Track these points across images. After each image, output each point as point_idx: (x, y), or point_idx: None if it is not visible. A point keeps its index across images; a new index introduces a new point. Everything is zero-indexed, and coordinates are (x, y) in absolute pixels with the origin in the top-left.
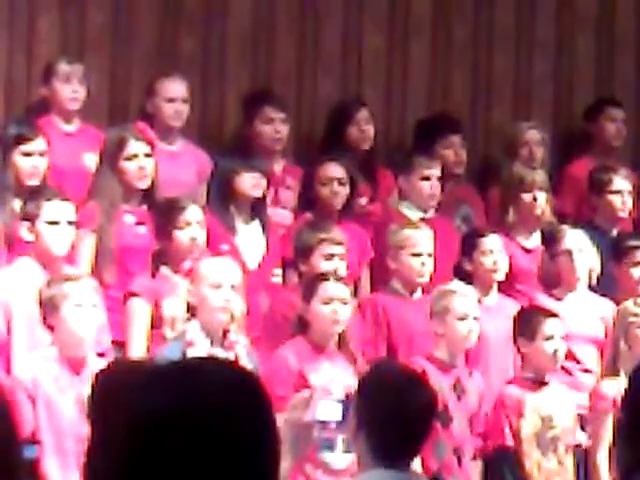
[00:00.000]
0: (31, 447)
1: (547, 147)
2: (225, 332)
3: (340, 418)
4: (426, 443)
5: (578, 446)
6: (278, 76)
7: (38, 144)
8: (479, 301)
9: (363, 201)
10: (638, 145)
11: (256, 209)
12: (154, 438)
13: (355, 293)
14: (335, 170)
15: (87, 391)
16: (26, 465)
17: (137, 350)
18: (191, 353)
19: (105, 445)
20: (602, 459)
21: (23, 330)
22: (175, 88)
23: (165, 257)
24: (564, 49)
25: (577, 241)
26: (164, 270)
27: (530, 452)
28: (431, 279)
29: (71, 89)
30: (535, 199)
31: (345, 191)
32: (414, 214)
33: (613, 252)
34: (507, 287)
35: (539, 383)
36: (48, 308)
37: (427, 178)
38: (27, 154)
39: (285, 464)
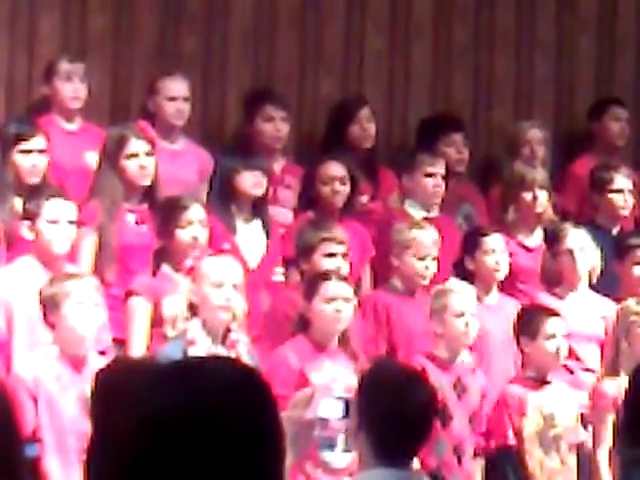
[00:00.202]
0: (32, 446)
1: (549, 146)
2: (226, 331)
3: (342, 415)
4: (426, 442)
5: (581, 445)
6: (279, 75)
7: (37, 142)
8: (480, 300)
9: (364, 199)
10: (639, 144)
11: (257, 208)
12: (160, 437)
13: (356, 291)
14: (336, 169)
15: (88, 389)
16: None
17: (137, 349)
18: (192, 352)
19: (108, 444)
20: (602, 458)
21: (24, 329)
22: (177, 87)
23: (166, 255)
24: (565, 50)
25: (579, 240)
26: (165, 269)
27: (532, 451)
28: (433, 278)
29: (72, 88)
30: (536, 198)
31: (346, 190)
32: (418, 213)
33: (615, 251)
34: (508, 286)
35: (541, 382)
36: (49, 306)
37: (430, 176)
38: (26, 152)
39: (286, 462)
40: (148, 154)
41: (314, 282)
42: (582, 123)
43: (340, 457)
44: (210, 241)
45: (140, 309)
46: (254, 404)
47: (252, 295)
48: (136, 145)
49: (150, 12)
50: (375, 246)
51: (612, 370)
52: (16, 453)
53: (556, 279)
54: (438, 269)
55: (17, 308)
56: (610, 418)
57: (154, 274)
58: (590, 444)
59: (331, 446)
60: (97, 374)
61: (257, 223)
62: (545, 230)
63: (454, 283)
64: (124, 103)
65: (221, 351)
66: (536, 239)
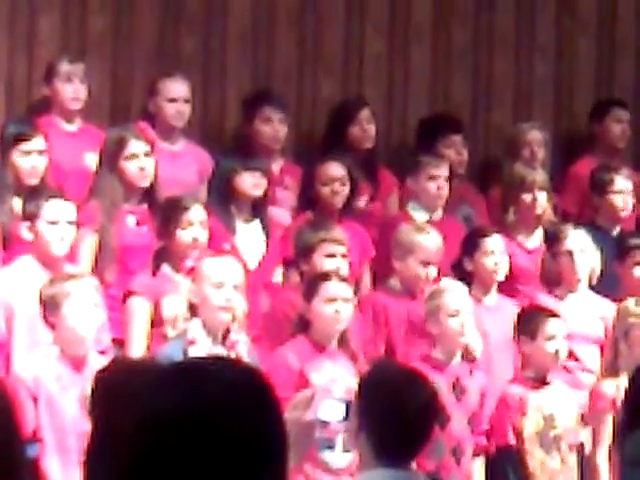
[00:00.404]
0: (32, 446)
1: (548, 147)
2: (226, 331)
3: (341, 418)
4: (427, 442)
5: (582, 445)
6: (279, 76)
7: (37, 143)
8: (479, 301)
9: (363, 200)
10: (639, 146)
11: (256, 208)
12: (161, 438)
13: (356, 292)
14: (336, 170)
15: (88, 389)
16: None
17: (137, 349)
18: (192, 352)
19: (108, 444)
20: (601, 458)
21: (24, 329)
22: (177, 88)
23: (166, 256)
24: (564, 52)
25: (578, 241)
26: (165, 269)
27: (533, 451)
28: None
29: (72, 89)
30: (535, 199)
31: (346, 191)
32: (421, 215)
33: (616, 251)
34: (507, 287)
35: (541, 382)
36: (49, 306)
37: (434, 178)
38: (26, 153)
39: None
40: (147, 155)
41: (314, 283)
42: (582, 124)
43: (340, 457)
44: (210, 242)
45: (139, 309)
46: (257, 404)
47: (251, 296)
48: (135, 146)
49: (149, 13)
50: (375, 247)
51: (611, 371)
52: (17, 453)
53: (556, 280)
54: (441, 271)
55: (17, 308)
56: (609, 419)
57: (154, 274)
58: (589, 445)
59: (331, 446)
60: (96, 374)
61: (257, 224)
62: (545, 231)
63: (447, 283)
64: (124, 104)
65: (221, 351)
66: (536, 240)
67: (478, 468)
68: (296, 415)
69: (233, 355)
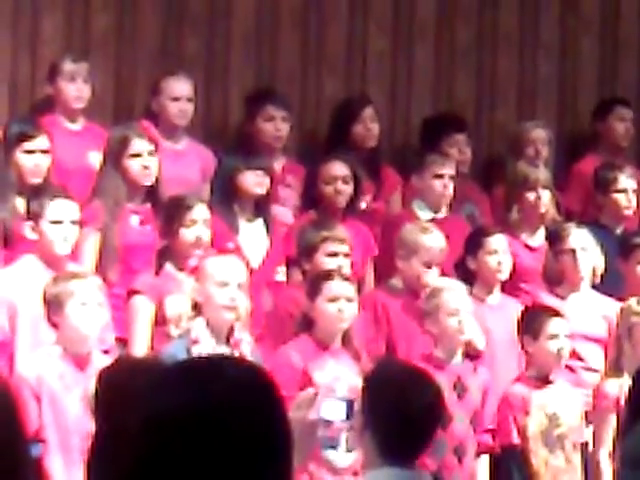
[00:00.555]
0: (35, 445)
1: (552, 146)
2: (230, 330)
3: (344, 417)
4: (432, 441)
5: (586, 444)
6: (282, 75)
7: (40, 142)
8: (482, 300)
9: (367, 199)
10: None
11: (259, 207)
12: (166, 437)
13: (359, 291)
14: (339, 168)
15: (92, 388)
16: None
17: (140, 348)
18: (196, 351)
19: (113, 444)
20: (604, 457)
21: (27, 328)
22: (180, 87)
23: (170, 255)
24: (568, 51)
25: (581, 240)
26: (168, 268)
27: (537, 450)
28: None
29: (76, 88)
30: (539, 197)
31: (349, 189)
32: (425, 214)
33: (620, 250)
34: (511, 285)
35: (544, 381)
36: (53, 305)
37: (439, 177)
38: (29, 152)
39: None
40: (151, 154)
41: (317, 281)
42: (585, 123)
43: (343, 456)
44: (213, 240)
45: (143, 308)
46: (260, 403)
47: (254, 294)
48: (139, 145)
49: (153, 13)
50: (378, 246)
51: (614, 370)
52: (21, 452)
53: (558, 279)
54: (446, 270)
55: (20, 308)
56: (612, 418)
57: (157, 273)
58: (592, 443)
59: (334, 445)
60: (100, 373)
61: (259, 222)
62: (547, 230)
63: (445, 282)
64: (127, 103)
65: (225, 350)
66: (539, 239)
67: (483, 467)
68: (299, 414)
69: (237, 354)
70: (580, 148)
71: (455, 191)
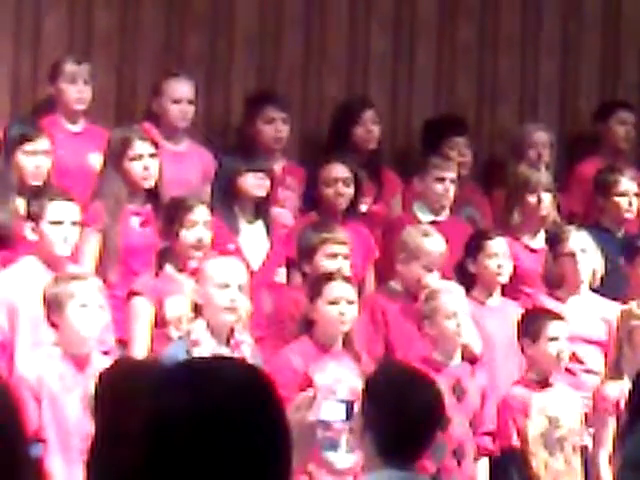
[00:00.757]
0: (35, 445)
1: (554, 148)
2: (230, 332)
3: (345, 418)
4: (432, 442)
5: (586, 447)
6: (284, 76)
7: (42, 143)
8: (482, 303)
9: (367, 201)
10: None
11: (259, 209)
12: (167, 438)
13: (360, 293)
14: (340, 170)
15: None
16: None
17: (139, 349)
18: (196, 352)
19: (113, 445)
20: (603, 460)
21: (27, 329)
22: (181, 89)
23: (170, 256)
24: (570, 51)
25: (581, 242)
26: (168, 269)
27: (537, 452)
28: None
29: (77, 89)
30: (540, 200)
31: (350, 192)
32: (426, 216)
33: (625, 253)
34: (512, 288)
35: (544, 384)
36: (53, 306)
37: (441, 180)
38: (30, 153)
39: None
40: (152, 156)
41: (318, 283)
42: (587, 125)
43: (343, 458)
44: (213, 242)
45: (142, 310)
46: (260, 405)
47: (255, 296)
48: (140, 147)
49: (155, 13)
50: (379, 248)
51: (615, 373)
52: (21, 452)
53: (558, 281)
54: (446, 273)
55: (21, 308)
56: (612, 421)
57: (157, 275)
58: (592, 446)
59: (334, 447)
60: (99, 375)
61: (260, 224)
62: (547, 232)
63: (443, 284)
64: (129, 104)
65: (225, 352)
66: (541, 241)
67: (483, 469)
68: (298, 416)
69: (237, 355)
70: (581, 150)
71: (456, 194)
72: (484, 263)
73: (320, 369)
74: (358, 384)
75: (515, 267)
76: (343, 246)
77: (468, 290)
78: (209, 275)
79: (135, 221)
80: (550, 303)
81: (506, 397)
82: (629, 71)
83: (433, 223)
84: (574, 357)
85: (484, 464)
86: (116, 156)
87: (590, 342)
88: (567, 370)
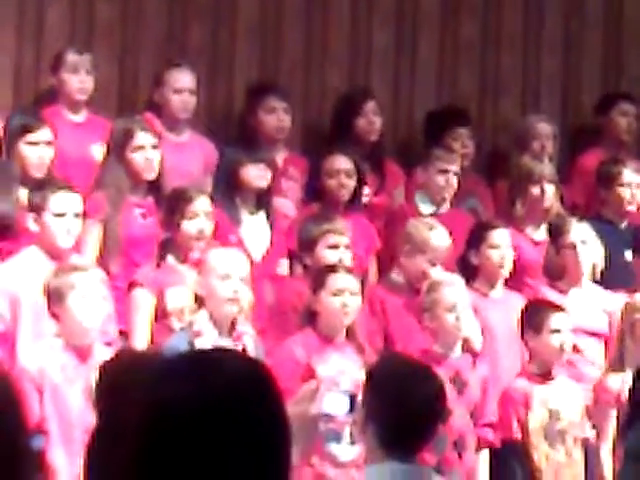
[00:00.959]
0: (37, 437)
1: (557, 140)
2: (233, 323)
3: (347, 411)
4: (434, 435)
5: (587, 438)
6: (286, 67)
7: (44, 134)
8: (484, 294)
9: (370, 193)
10: None
11: (261, 200)
12: (168, 429)
13: (363, 285)
14: (342, 162)
15: (93, 380)
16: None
17: (140, 340)
18: (198, 344)
19: (115, 436)
20: (605, 452)
21: (29, 320)
22: (183, 79)
23: (171, 247)
24: (572, 45)
25: (582, 234)
26: (170, 260)
27: (538, 445)
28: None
29: (78, 79)
30: (543, 192)
31: (352, 183)
32: (427, 207)
33: (633, 245)
34: (515, 280)
35: (546, 376)
36: (54, 298)
37: (444, 172)
38: (33, 144)
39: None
40: (154, 147)
41: (321, 275)
42: (589, 117)
43: (346, 450)
44: (215, 233)
45: (143, 301)
46: (260, 396)
47: (257, 287)
48: (142, 138)
49: (157, 3)
50: (381, 239)
51: (617, 365)
52: (22, 444)
53: (559, 273)
54: (448, 264)
55: (23, 299)
56: (613, 413)
57: (159, 266)
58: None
59: (337, 439)
60: (101, 366)
61: (262, 215)
62: (549, 224)
63: (444, 276)
64: (131, 94)
65: (227, 343)
66: (543, 233)
67: (484, 461)
68: (301, 408)
69: (239, 347)
70: (583, 142)
71: (458, 185)
72: (486, 254)
73: (323, 361)
74: (361, 376)
75: (518, 259)
76: (343, 236)
77: (470, 282)
78: (211, 266)
79: (137, 212)
80: (552, 295)
81: (508, 389)
82: (631, 65)
83: (434, 214)
84: (575, 349)
85: (485, 456)
86: (118, 147)
87: (591, 334)
88: (568, 362)
